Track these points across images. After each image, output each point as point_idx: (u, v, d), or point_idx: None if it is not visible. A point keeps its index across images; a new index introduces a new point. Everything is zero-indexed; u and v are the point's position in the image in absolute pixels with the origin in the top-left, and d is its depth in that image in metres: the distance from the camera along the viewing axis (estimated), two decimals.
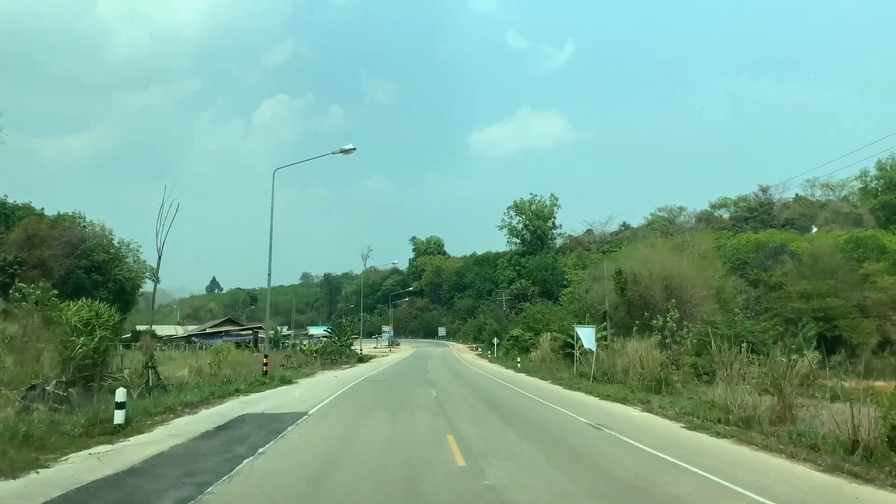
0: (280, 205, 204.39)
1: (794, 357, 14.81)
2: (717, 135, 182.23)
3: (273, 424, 11.62)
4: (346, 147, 23.93)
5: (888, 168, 68.36)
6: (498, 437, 10.59)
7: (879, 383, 16.22)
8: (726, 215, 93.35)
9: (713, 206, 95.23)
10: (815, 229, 73.86)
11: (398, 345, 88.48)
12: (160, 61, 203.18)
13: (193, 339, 50.15)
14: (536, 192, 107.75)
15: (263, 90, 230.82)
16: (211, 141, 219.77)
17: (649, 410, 14.51)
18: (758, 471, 7.82)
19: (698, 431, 11.28)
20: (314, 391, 19.92)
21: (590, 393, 19.10)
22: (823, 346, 19.11)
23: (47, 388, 13.53)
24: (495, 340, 57.15)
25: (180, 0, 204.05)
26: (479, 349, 71.18)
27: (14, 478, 6.83)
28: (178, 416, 12.57)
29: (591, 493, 6.71)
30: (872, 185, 71.80)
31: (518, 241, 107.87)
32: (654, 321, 21.55)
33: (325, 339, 52.02)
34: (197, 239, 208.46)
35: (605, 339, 28.61)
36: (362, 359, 47.27)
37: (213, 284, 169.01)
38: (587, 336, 24.62)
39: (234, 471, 7.43)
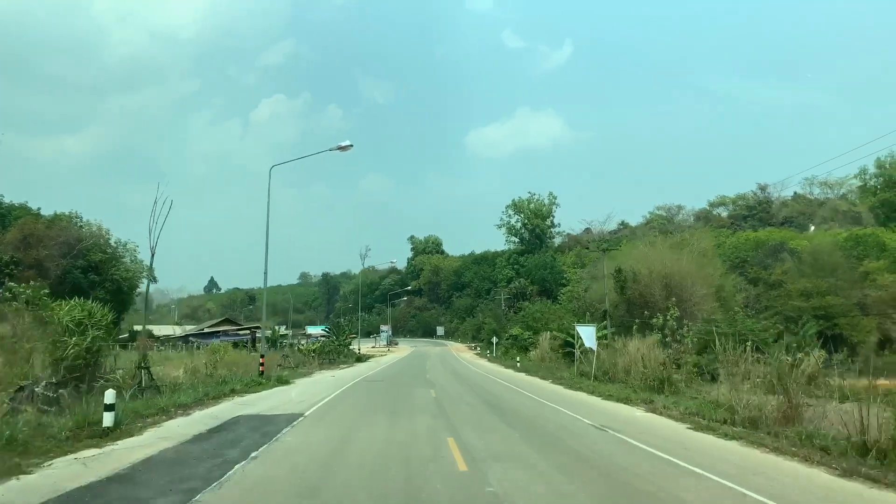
0: (278, 205, 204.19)
1: (799, 356, 14.54)
2: (714, 134, 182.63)
3: (267, 427, 11.29)
4: (343, 144, 23.59)
5: (887, 166, 68.27)
6: (500, 439, 10.25)
7: (882, 382, 16.02)
8: (725, 214, 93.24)
9: (711, 205, 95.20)
10: (812, 228, 73.70)
11: (396, 344, 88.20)
12: (160, 61, 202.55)
13: (191, 339, 49.75)
14: (535, 191, 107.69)
15: (261, 90, 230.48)
16: (209, 141, 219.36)
17: (653, 411, 14.21)
18: (772, 475, 7.51)
19: (705, 433, 10.98)
20: (311, 391, 19.60)
21: (591, 393, 18.81)
22: (828, 344, 18.90)
23: (36, 389, 13.17)
24: (494, 339, 56.86)
25: (181, 0, 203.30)
26: (478, 348, 70.91)
27: None
28: (171, 418, 12.24)
29: (600, 502, 6.40)
30: (872, 182, 71.71)
31: (516, 239, 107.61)
32: (655, 320, 21.29)
33: (323, 338, 51.71)
34: (195, 239, 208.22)
35: (606, 338, 28.35)
36: (360, 358, 46.98)
37: (212, 284, 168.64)
38: (588, 335, 24.31)
39: (225, 477, 7.09)
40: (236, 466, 7.68)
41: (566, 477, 7.44)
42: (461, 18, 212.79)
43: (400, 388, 21.79)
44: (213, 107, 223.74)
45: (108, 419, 9.91)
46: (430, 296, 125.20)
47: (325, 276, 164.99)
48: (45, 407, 12.26)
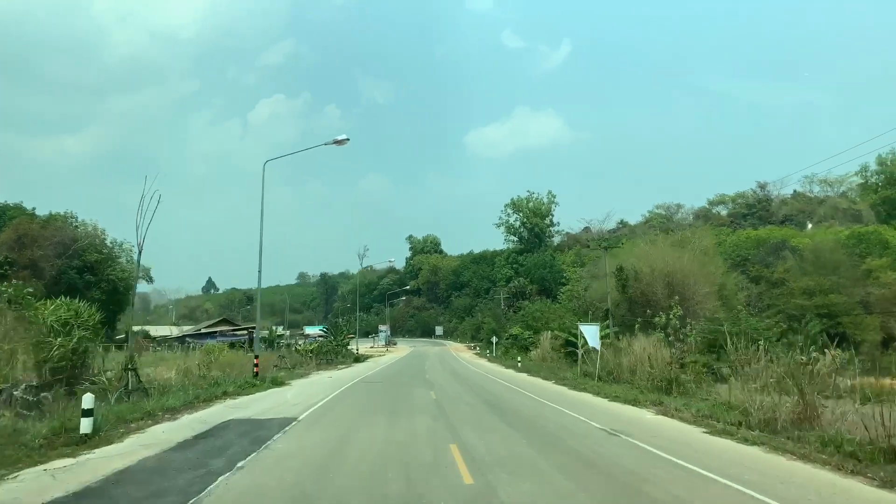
0: (277, 205, 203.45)
1: (813, 355, 13.96)
2: (714, 133, 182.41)
3: (258, 432, 10.64)
4: (340, 138, 22.91)
5: (889, 163, 67.86)
6: (506, 446, 9.58)
7: (887, 381, 15.44)
8: (724, 212, 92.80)
9: (711, 203, 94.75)
10: (810, 226, 73.26)
11: (395, 344, 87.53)
12: (159, 61, 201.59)
13: (187, 339, 49.04)
14: (534, 190, 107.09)
15: (261, 90, 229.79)
16: (209, 141, 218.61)
17: (664, 413, 13.59)
18: (810, 487, 6.86)
19: (723, 437, 10.34)
20: (307, 393, 18.95)
21: (597, 394, 18.18)
22: (833, 343, 18.32)
23: (15, 393, 12.54)
24: (494, 339, 56.20)
25: (181, 0, 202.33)
26: (478, 348, 70.24)
27: None
28: (157, 423, 11.59)
29: None
30: (873, 180, 71.31)
31: (516, 238, 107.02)
32: (658, 318, 20.71)
33: (321, 338, 51.06)
34: (194, 239, 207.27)
35: (608, 338, 27.76)
36: (359, 359, 46.31)
37: (210, 285, 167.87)
38: (591, 334, 23.69)
39: (206, 491, 6.43)
40: (220, 479, 7.01)
41: (582, 490, 6.75)
42: (461, 18, 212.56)
43: (399, 390, 21.14)
44: (213, 107, 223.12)
45: (85, 425, 9.23)
46: (429, 295, 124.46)
47: (324, 276, 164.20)
48: (24, 412, 11.59)
